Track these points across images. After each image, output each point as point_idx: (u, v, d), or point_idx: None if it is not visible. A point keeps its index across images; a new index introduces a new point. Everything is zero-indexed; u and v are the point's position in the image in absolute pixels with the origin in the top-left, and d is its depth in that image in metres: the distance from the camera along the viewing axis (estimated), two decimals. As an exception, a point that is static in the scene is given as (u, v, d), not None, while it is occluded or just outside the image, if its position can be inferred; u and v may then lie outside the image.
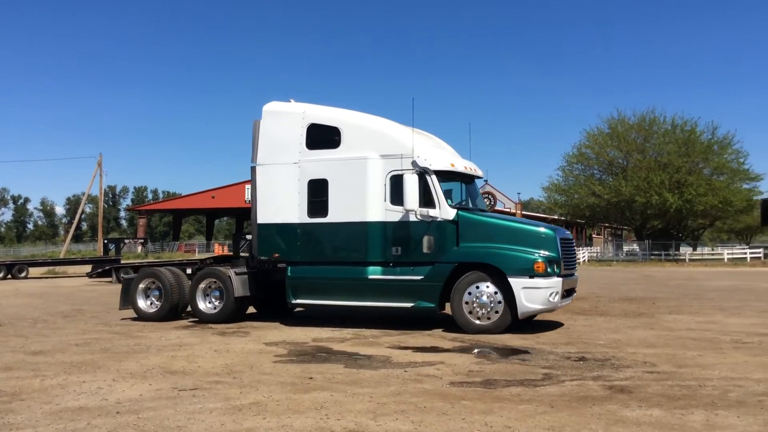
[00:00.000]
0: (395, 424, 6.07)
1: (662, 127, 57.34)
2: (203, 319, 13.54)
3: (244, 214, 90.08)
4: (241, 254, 15.35)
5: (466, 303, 11.77)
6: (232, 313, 13.45)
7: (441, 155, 12.87)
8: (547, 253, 11.63)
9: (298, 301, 13.13)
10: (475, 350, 10.14)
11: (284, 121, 13.33)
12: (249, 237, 15.86)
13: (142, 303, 14.09)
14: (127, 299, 14.29)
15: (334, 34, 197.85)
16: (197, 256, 63.91)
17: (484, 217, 12.65)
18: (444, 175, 12.44)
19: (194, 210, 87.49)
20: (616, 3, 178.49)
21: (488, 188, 48.49)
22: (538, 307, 11.50)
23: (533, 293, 11.39)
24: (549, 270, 11.50)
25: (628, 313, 14.88)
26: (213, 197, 75.61)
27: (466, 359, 9.39)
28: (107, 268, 31.02)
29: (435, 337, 11.52)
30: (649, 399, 6.93)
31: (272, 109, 13.60)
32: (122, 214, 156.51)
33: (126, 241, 74.04)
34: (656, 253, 55.79)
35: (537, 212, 74.11)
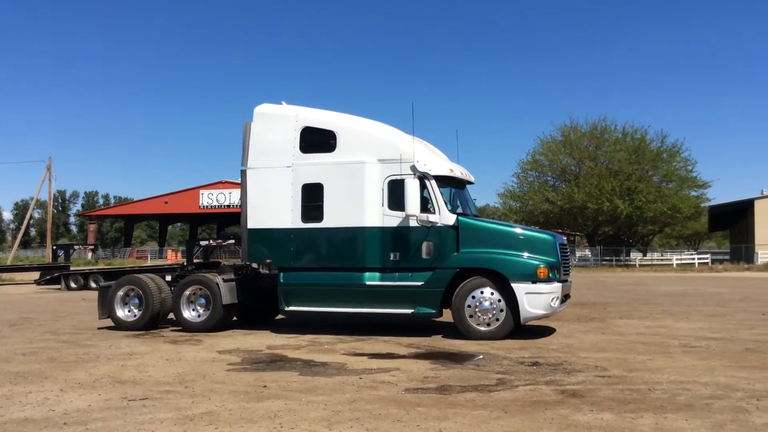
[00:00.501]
0: (350, 432, 6.05)
1: (613, 135, 58.59)
2: (188, 328, 13.07)
3: (198, 219, 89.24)
4: (195, 261, 15.14)
5: (468, 307, 11.75)
6: (220, 321, 13.04)
7: (439, 160, 12.89)
8: (547, 258, 11.74)
9: (291, 308, 12.79)
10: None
11: (277, 123, 13.07)
12: (203, 243, 15.66)
13: (120, 312, 13.53)
14: (106, 308, 13.66)
15: (317, 36, 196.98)
16: (149, 262, 62.91)
17: (485, 223, 12.75)
18: (442, 181, 12.40)
19: (146, 215, 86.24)
20: (575, 10, 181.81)
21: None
22: (540, 312, 11.58)
23: (536, 298, 11.45)
24: (551, 275, 11.61)
25: (581, 318, 15.11)
26: (166, 202, 74.66)
27: (421, 365, 9.41)
28: (56, 275, 30.26)
29: (390, 343, 11.51)
30: (601, 403, 7.04)
31: (264, 111, 13.30)
32: (72, 219, 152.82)
33: (75, 247, 72.03)
34: (607, 258, 56.89)
35: (493, 219, 74.85)
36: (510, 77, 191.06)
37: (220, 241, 15.43)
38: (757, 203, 57.10)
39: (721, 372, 8.68)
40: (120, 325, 13.47)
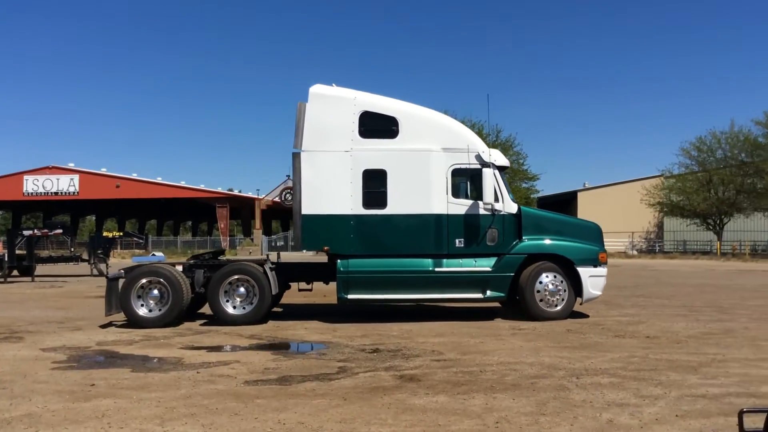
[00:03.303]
0: (184, 429, 5.84)
1: (452, 129, 60.92)
2: (229, 321, 12.07)
3: (22, 207, 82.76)
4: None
5: (538, 292, 12.45)
6: (268, 312, 12.38)
7: (497, 152, 13.21)
8: (598, 244, 12.98)
9: (352, 296, 12.37)
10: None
11: (334, 106, 12.65)
12: (27, 233, 14.55)
13: (139, 308, 12.07)
14: (114, 303, 12.13)
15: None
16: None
17: (543, 212, 13.72)
18: (501, 170, 12.84)
19: (-38, 203, 78.84)
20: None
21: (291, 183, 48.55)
22: (598, 293, 12.70)
23: (597, 281, 12.60)
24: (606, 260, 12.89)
25: (420, 304, 15.56)
26: (-15, 189, 68.60)
27: (262, 356, 9.29)
28: None
29: (231, 335, 11.28)
30: (436, 386, 7.30)
31: (320, 92, 12.76)
32: None
33: None
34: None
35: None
36: (351, 65, 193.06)
37: (46, 230, 14.39)
38: (580, 195, 62.01)
39: (545, 352, 9.29)
40: (139, 322, 12.02)
